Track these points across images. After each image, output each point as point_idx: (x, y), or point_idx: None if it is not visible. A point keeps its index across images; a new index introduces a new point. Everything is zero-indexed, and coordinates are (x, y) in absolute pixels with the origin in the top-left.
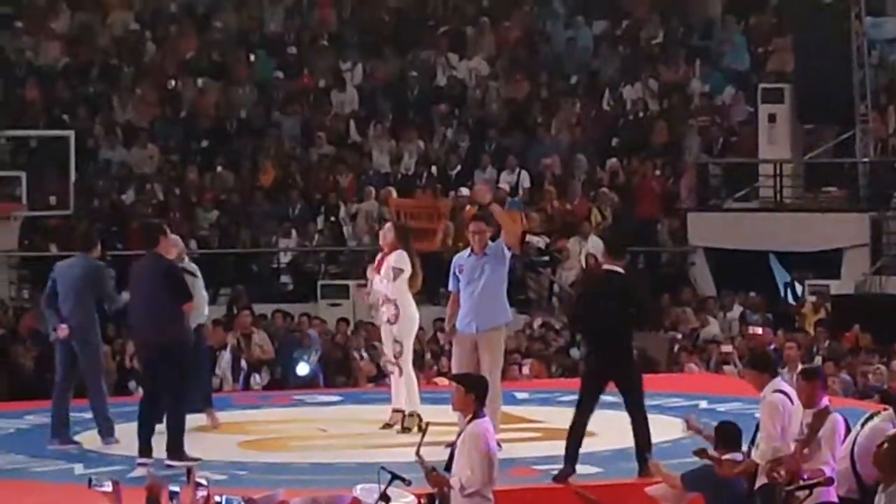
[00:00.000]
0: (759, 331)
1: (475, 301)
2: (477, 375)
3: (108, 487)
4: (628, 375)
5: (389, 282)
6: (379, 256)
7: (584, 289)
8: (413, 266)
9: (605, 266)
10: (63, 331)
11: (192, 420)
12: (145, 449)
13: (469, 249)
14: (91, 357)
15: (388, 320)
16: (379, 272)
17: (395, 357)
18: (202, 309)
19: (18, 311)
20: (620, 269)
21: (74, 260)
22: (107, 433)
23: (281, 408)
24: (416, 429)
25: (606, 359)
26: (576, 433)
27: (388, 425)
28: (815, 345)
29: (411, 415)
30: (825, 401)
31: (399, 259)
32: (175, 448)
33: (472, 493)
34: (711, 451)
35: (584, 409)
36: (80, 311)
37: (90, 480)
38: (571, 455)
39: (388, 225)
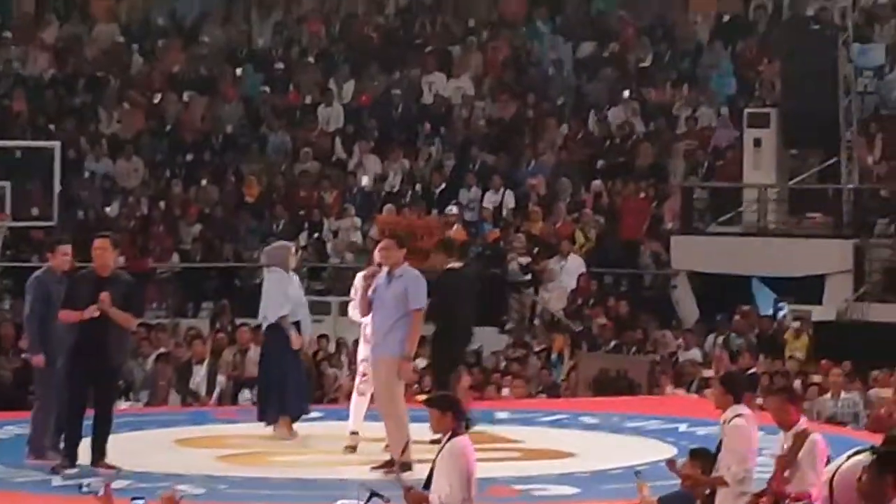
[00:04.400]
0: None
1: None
2: (449, 395)
3: (101, 490)
4: None
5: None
6: (368, 272)
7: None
8: None
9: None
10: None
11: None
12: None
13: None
14: (37, 372)
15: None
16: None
17: (364, 379)
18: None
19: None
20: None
21: None
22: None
23: (261, 423)
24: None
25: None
26: None
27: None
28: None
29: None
30: (803, 422)
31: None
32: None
33: None
34: (680, 467)
35: None
36: (27, 324)
37: (80, 486)
38: None
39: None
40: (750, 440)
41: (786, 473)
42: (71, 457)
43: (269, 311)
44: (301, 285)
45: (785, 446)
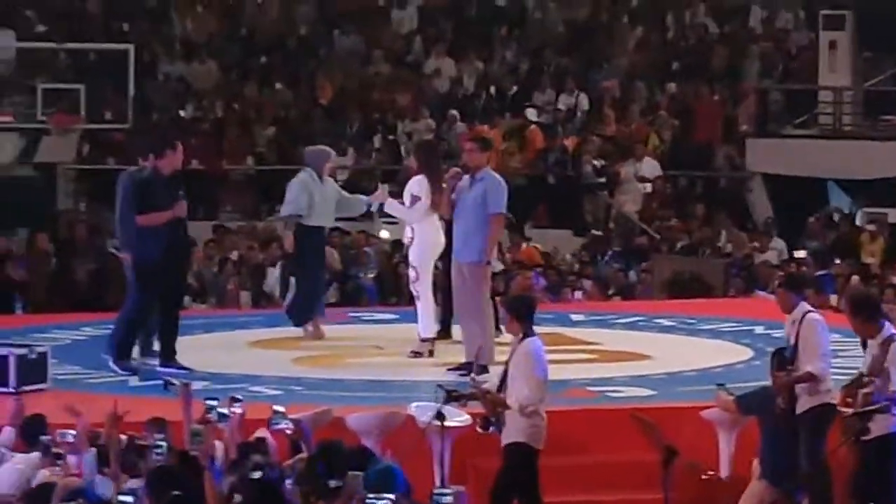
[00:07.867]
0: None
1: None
2: (520, 297)
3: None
4: None
5: (406, 206)
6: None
7: None
8: (435, 191)
9: None
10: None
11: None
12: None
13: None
14: (131, 274)
15: (407, 245)
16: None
17: (412, 282)
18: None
19: (75, 223)
20: None
21: None
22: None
23: (336, 325)
24: (426, 355)
25: None
26: None
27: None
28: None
29: (424, 341)
30: (889, 329)
31: (414, 185)
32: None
33: (531, 412)
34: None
35: None
36: (121, 226)
37: (166, 383)
38: None
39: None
40: (826, 337)
41: (873, 380)
42: (127, 354)
43: (284, 206)
44: (338, 191)
45: (872, 354)
